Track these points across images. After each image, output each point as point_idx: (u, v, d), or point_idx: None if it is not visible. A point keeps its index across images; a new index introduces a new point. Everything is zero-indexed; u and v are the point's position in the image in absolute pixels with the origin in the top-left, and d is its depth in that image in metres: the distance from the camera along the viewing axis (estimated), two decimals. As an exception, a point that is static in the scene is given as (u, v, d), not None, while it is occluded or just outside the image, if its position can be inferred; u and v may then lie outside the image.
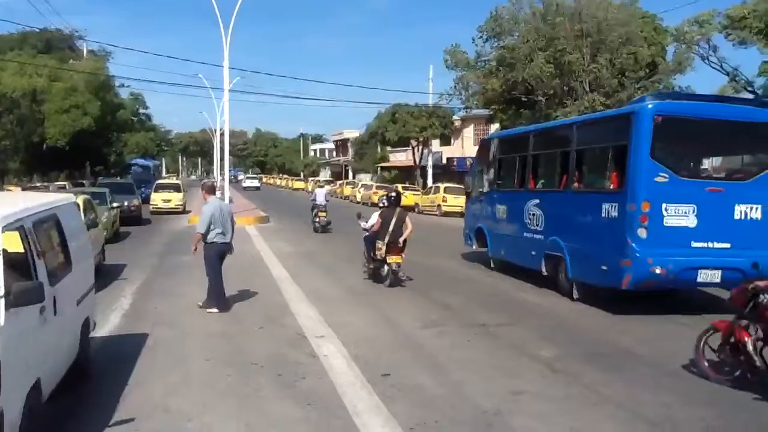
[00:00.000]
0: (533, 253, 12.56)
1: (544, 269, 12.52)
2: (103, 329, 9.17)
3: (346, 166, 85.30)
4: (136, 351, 8.10)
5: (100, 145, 43.04)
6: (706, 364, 7.15)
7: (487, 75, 34.11)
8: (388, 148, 63.54)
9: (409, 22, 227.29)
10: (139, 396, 6.48)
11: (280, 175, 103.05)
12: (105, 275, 12.81)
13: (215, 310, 10.30)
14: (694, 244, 10.10)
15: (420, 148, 52.96)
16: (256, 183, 76.80)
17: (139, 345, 8.37)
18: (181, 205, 31.89)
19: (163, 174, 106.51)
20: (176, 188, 34.14)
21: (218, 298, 10.41)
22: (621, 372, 7.53)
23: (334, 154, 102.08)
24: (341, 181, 64.40)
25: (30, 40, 48.90)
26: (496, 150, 15.83)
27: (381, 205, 13.85)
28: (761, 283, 6.74)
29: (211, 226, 10.34)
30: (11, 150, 37.54)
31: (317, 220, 23.47)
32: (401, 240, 12.54)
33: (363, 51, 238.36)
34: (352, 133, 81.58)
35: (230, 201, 30.11)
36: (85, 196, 14.59)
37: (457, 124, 53.45)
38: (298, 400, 6.42)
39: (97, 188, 24.33)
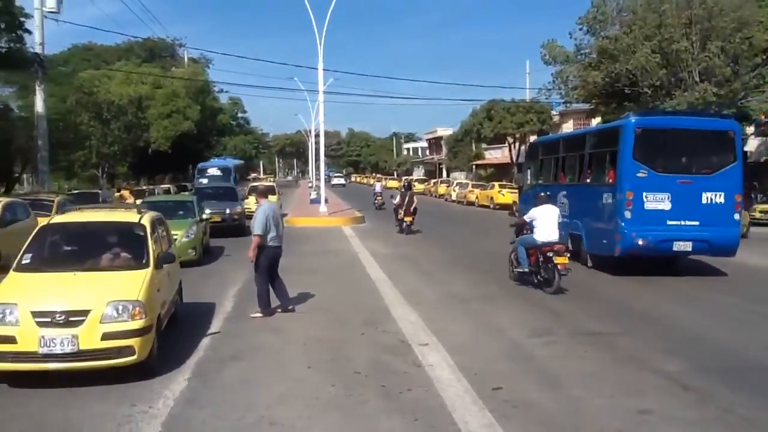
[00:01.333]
0: (563, 233, 13.33)
1: (570, 245, 14.11)
2: (206, 331, 9.18)
3: (440, 164, 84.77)
4: (239, 356, 8.00)
5: (201, 148, 44.50)
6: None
7: (587, 68, 32.77)
8: (484, 146, 62.56)
9: (504, 17, 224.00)
10: (242, 405, 6.33)
11: (373, 174, 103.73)
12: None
13: (258, 314, 10.08)
14: (669, 222, 13.44)
15: (517, 144, 51.74)
16: (342, 181, 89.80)
17: (242, 350, 8.27)
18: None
19: (262, 175, 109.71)
20: (272, 191, 31.75)
21: (262, 302, 10.19)
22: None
23: (428, 152, 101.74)
24: (435, 180, 63.93)
25: (135, 50, 51.37)
26: (539, 152, 19.68)
27: (402, 189, 25.04)
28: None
29: (269, 228, 10.19)
30: (120, 154, 39.41)
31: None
32: (412, 208, 22.70)
33: (456, 48, 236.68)
34: (445, 131, 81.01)
35: (326, 201, 30.36)
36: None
37: (556, 119, 51.92)
38: (405, 414, 6.07)
39: (183, 196, 21.82)
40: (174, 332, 9.01)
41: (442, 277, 14.02)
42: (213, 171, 34.14)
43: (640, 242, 13.32)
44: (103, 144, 37.06)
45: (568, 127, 51.69)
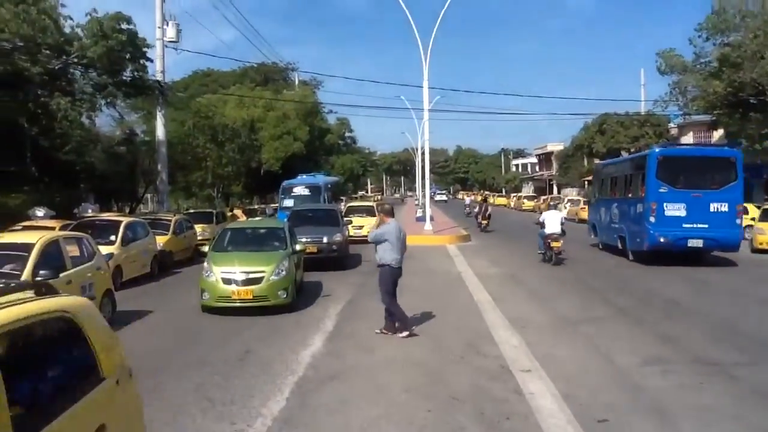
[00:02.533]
0: (615, 236, 21.21)
1: (619, 245, 20.67)
2: (307, 350, 9.25)
3: (550, 180, 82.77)
4: (337, 376, 7.99)
5: (310, 168, 45.77)
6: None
7: (708, 77, 30.98)
8: (596, 161, 60.48)
9: (614, 26, 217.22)
10: (338, 427, 6.29)
11: (481, 191, 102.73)
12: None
13: (404, 333, 9.98)
14: (685, 225, 17.90)
15: (631, 160, 49.63)
16: (444, 197, 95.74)
17: (340, 371, 8.26)
18: None
19: (369, 193, 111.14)
20: (369, 211, 27.89)
21: (401, 320, 10.10)
22: None
23: (537, 168, 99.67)
24: (545, 197, 62.47)
25: (250, 74, 53.67)
26: (600, 173, 25.60)
27: (481, 202, 29.93)
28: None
29: (388, 248, 10.11)
30: (233, 175, 41.16)
31: (549, 250, 19.12)
32: (486, 215, 29.35)
33: (564, 60, 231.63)
34: (556, 147, 79.14)
35: (431, 219, 30.23)
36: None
37: (674, 131, 49.43)
38: (503, 445, 5.80)
39: (273, 222, 17.71)
40: (273, 351, 9.15)
41: (550, 299, 13.52)
42: (300, 190, 29.03)
43: (662, 240, 18.02)
44: (218, 165, 38.84)
45: (687, 140, 49.05)
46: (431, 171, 38.30)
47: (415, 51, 29.82)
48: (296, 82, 53.75)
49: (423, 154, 37.13)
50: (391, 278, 10.17)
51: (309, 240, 16.64)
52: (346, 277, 16.71)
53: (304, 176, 32.32)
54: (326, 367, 8.48)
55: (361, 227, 24.74)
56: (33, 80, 21.71)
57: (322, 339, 10.06)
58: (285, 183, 30.31)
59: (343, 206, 30.04)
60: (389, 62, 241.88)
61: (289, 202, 27.43)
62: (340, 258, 18.23)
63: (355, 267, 18.59)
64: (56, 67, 22.61)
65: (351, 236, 21.95)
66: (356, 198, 70.30)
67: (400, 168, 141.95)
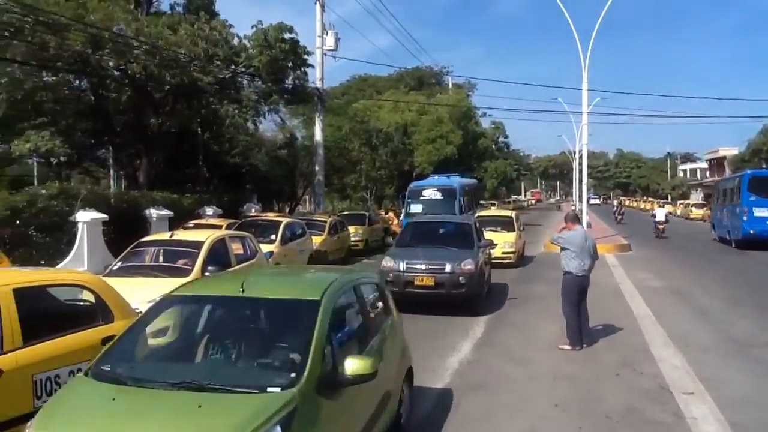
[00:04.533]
0: (725, 230, 28.62)
1: (728, 237, 27.91)
2: (454, 357, 9.18)
3: (720, 187, 76.65)
4: (484, 386, 7.85)
5: (462, 172, 45.78)
6: None
7: None
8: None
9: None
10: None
11: (644, 197, 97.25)
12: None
13: (567, 346, 9.62)
14: None
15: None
16: (597, 201, 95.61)
17: (487, 380, 8.10)
18: (511, 253, 19.74)
19: (522, 198, 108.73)
20: (506, 225, 21.21)
21: (571, 335, 9.72)
22: None
23: (708, 174, 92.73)
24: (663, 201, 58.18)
25: (405, 79, 54.50)
26: (717, 187, 33.42)
27: (659, 206, 40.05)
28: None
29: (571, 255, 9.74)
30: (386, 178, 41.99)
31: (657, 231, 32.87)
32: (665, 220, 33.69)
33: (740, 59, 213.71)
34: (729, 151, 73.27)
35: (588, 226, 29.03)
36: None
37: None
38: (661, 473, 5.38)
39: (458, 218, 16.70)
40: (419, 355, 9.16)
41: (720, 317, 12.42)
42: (430, 193, 24.61)
43: (751, 232, 25.21)
44: (372, 168, 39.80)
45: None
46: (589, 175, 36.79)
47: (573, 52, 28.86)
48: (450, 86, 53.89)
49: (581, 157, 35.73)
50: (574, 287, 9.81)
51: (424, 268, 12.22)
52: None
53: (436, 177, 28.24)
54: (473, 375, 8.36)
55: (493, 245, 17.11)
56: (205, 90, 23.43)
57: (470, 346, 9.94)
58: (413, 185, 26.28)
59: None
60: (545, 64, 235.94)
61: (416, 208, 23.67)
62: (470, 296, 12.34)
63: (496, 309, 13.08)
64: (226, 77, 24.22)
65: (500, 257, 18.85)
66: (509, 203, 69.09)
67: (556, 172, 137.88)
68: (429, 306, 12.09)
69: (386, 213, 35.24)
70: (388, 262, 12.68)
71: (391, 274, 12.15)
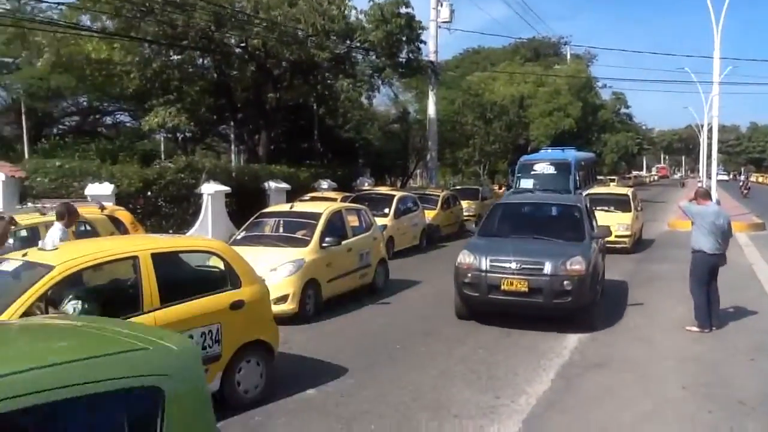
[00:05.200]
0: None
1: None
2: (573, 335, 8.91)
3: None
4: (605, 364, 7.62)
5: (580, 145, 44.20)
6: None
7: None
8: None
9: None
10: (605, 416, 5.98)
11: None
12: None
13: (695, 328, 9.12)
14: None
15: None
16: (725, 177, 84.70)
17: (609, 359, 7.84)
18: (626, 237, 17.58)
19: (644, 173, 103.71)
20: (621, 204, 18.93)
21: (700, 316, 9.20)
22: None
23: None
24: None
25: (521, 50, 53.08)
26: None
27: None
28: None
29: (701, 232, 9.23)
30: (500, 152, 41.22)
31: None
32: None
33: None
34: None
35: (717, 203, 27.29)
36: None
37: None
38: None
39: (563, 198, 13.66)
40: (538, 332, 8.98)
41: None
42: (542, 167, 22.71)
43: None
44: (486, 142, 39.16)
45: None
46: (719, 150, 34.48)
47: (701, 16, 26.92)
48: (568, 57, 51.98)
49: (710, 131, 33.57)
50: (703, 266, 9.29)
51: (515, 267, 9.19)
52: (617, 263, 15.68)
53: (549, 150, 26.21)
54: (594, 353, 8.12)
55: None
56: (322, 65, 23.81)
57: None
58: (523, 158, 24.55)
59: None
60: (671, 31, 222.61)
61: (526, 183, 21.75)
62: (579, 308, 9.16)
63: (614, 287, 11.87)
64: (341, 52, 24.48)
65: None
66: (629, 179, 66.06)
67: (681, 146, 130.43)
68: (520, 318, 9.25)
69: (500, 188, 34.69)
70: (466, 258, 9.48)
71: (469, 274, 9.29)
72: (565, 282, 8.89)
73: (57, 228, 7.53)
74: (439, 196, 21.47)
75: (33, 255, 5.72)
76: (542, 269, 9.02)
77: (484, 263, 9.28)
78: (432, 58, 28.64)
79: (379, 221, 14.43)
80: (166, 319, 5.70)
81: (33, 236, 8.15)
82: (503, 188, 34.06)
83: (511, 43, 53.18)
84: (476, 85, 40.02)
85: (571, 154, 24.09)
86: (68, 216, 7.70)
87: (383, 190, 22.40)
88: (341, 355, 7.87)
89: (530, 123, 41.20)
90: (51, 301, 5.34)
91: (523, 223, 11.04)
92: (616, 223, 16.85)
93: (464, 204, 23.89)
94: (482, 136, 38.63)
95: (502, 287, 9.09)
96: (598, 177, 34.38)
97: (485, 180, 41.02)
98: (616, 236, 16.24)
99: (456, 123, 37.33)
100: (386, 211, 16.70)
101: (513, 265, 9.14)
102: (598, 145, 49.35)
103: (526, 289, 9.01)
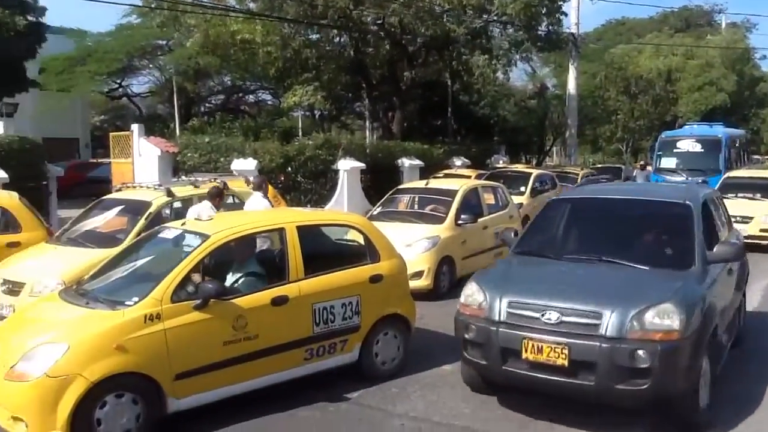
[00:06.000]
0: None
1: None
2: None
3: None
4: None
5: (734, 122, 40.91)
6: None
7: None
8: None
9: None
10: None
11: None
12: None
13: None
14: None
15: None
16: None
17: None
18: None
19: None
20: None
21: None
22: None
23: None
24: None
25: (669, 20, 49.88)
26: None
27: None
28: None
29: None
30: (645, 129, 39.05)
31: None
32: None
33: None
34: None
35: None
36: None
37: None
38: None
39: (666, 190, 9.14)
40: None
41: None
42: (687, 145, 20.49)
43: None
44: (630, 118, 37.26)
45: None
46: None
47: None
48: (723, 26, 48.17)
49: None
50: None
51: (553, 319, 5.28)
52: None
53: (695, 126, 23.71)
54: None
55: (747, 219, 13.75)
56: (457, 40, 23.47)
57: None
58: (665, 134, 22.66)
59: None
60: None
61: (668, 162, 20.23)
62: (660, 399, 5.17)
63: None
64: (477, 27, 23.99)
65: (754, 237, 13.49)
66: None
67: None
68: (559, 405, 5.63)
69: (644, 168, 32.89)
70: (472, 294, 5.75)
71: (473, 326, 5.60)
72: (640, 352, 4.95)
73: (206, 206, 8.14)
74: (578, 174, 20.67)
75: (191, 224, 6.04)
76: (598, 325, 5.07)
77: (499, 308, 5.44)
78: (573, 30, 27.49)
79: (515, 199, 14.08)
80: (309, 290, 5.89)
81: (187, 208, 8.63)
82: (648, 167, 32.31)
83: (658, 13, 50.24)
84: (620, 58, 38.08)
85: (720, 130, 21.95)
86: (217, 197, 8.36)
87: (519, 167, 21.87)
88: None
89: (678, 98, 38.69)
90: (206, 267, 5.61)
91: (589, 233, 6.89)
92: (762, 214, 14.20)
93: (604, 183, 22.84)
94: (626, 112, 36.81)
95: (525, 355, 5.28)
96: (754, 157, 31.20)
97: (628, 158, 39.12)
98: (760, 230, 13.91)
99: (597, 98, 35.81)
100: (522, 189, 16.27)
101: (547, 315, 5.24)
102: (756, 121, 45.52)
103: (566, 362, 5.12)
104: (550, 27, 25.58)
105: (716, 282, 5.92)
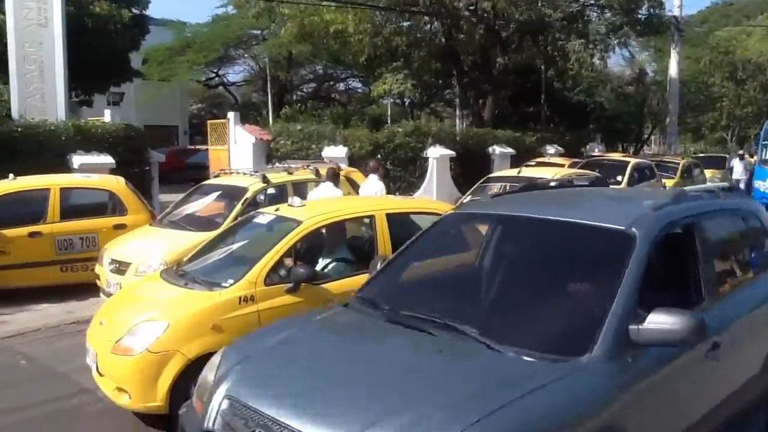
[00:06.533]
0: None
1: None
2: None
3: None
4: None
5: None
6: None
7: None
8: None
9: None
10: None
11: None
12: None
13: None
14: None
15: None
16: None
17: None
18: None
19: None
20: None
21: None
22: None
23: None
24: None
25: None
26: None
27: None
28: None
29: None
30: (753, 117, 36.88)
31: None
32: None
33: None
34: None
35: None
36: None
37: None
38: None
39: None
40: None
41: None
42: None
43: None
44: (736, 105, 35.30)
45: None
46: None
47: None
48: None
49: None
50: None
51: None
52: None
53: None
54: None
55: None
56: (552, 25, 22.85)
57: None
58: None
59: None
60: None
61: None
62: None
63: None
64: (574, 11, 23.27)
65: None
66: None
67: None
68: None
69: (751, 156, 31.12)
70: (205, 376, 3.66)
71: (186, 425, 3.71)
72: None
73: (328, 186, 8.67)
74: (678, 163, 19.69)
75: (284, 210, 6.16)
76: None
77: (213, 408, 3.35)
78: (675, 13, 26.20)
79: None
80: (398, 277, 5.84)
81: (281, 194, 8.80)
82: (754, 156, 30.53)
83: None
84: (726, 42, 36.02)
85: None
86: (336, 178, 8.85)
87: (615, 156, 21.12)
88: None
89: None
90: (298, 252, 5.70)
91: (459, 275, 4.93)
92: None
93: (708, 173, 21.73)
94: (732, 99, 34.88)
95: None
96: None
97: (733, 147, 37.09)
98: None
99: (701, 84, 34.11)
100: (619, 178, 15.67)
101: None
102: None
103: None
104: (651, 10, 24.51)
105: (652, 388, 3.32)
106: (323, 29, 22.84)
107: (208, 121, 18.47)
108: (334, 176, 8.98)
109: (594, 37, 24.01)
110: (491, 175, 12.69)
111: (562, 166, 16.09)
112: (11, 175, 9.19)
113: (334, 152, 15.46)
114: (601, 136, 31.57)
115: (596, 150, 25.93)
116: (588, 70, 27.66)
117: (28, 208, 9.05)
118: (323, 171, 9.26)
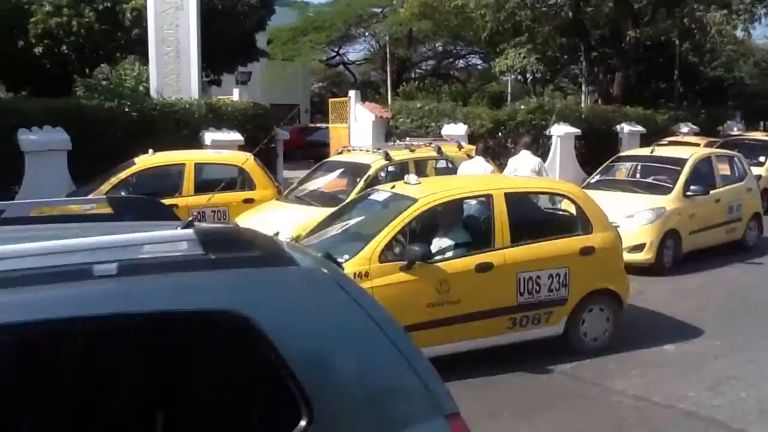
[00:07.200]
0: None
1: None
2: None
3: None
4: None
5: None
6: None
7: None
8: None
9: None
10: None
11: None
12: None
13: None
14: None
15: None
16: None
17: None
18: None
19: None
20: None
21: None
22: None
23: None
24: None
25: None
26: None
27: None
28: None
29: None
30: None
31: None
32: None
33: None
34: None
35: None
36: None
37: None
38: None
39: None
40: None
41: None
42: None
43: None
44: None
45: None
46: None
47: None
48: None
49: None
50: None
51: None
52: None
53: None
54: None
55: None
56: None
57: None
58: None
59: None
60: None
61: None
62: None
63: None
64: (716, -22, 21.66)
65: None
66: None
67: None
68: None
69: None
70: None
71: None
72: None
73: (479, 161, 8.55)
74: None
75: (400, 188, 6.14)
76: None
77: None
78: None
79: (754, 171, 12.64)
80: (515, 258, 5.74)
81: (402, 171, 8.78)
82: None
83: None
84: None
85: None
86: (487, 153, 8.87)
87: (758, 135, 19.58)
88: (702, 314, 7.19)
89: None
90: (413, 230, 5.67)
91: None
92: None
93: None
94: None
95: None
96: None
97: None
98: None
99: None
100: (762, 159, 14.64)
101: None
102: None
103: None
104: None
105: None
106: (444, 5, 22.55)
107: (330, 100, 18.79)
108: (485, 151, 8.89)
109: (737, 7, 22.24)
110: (621, 154, 12.14)
111: (698, 145, 15.13)
112: (150, 151, 9.68)
113: (454, 130, 15.27)
114: (741, 113, 29.27)
115: (735, 128, 24.06)
116: (729, 44, 25.72)
117: (166, 182, 9.49)
118: (446, 149, 9.13)
